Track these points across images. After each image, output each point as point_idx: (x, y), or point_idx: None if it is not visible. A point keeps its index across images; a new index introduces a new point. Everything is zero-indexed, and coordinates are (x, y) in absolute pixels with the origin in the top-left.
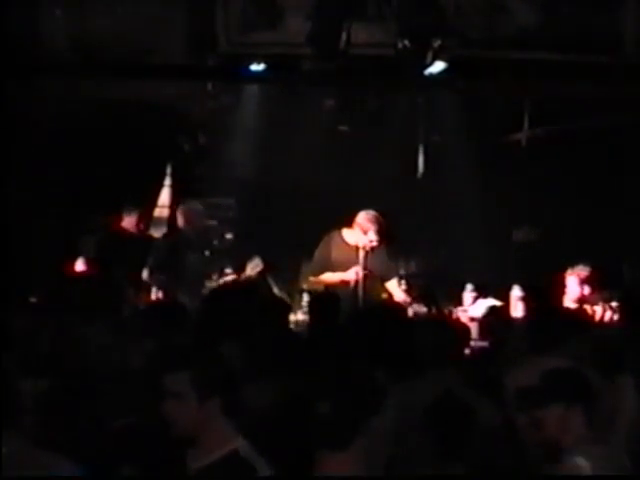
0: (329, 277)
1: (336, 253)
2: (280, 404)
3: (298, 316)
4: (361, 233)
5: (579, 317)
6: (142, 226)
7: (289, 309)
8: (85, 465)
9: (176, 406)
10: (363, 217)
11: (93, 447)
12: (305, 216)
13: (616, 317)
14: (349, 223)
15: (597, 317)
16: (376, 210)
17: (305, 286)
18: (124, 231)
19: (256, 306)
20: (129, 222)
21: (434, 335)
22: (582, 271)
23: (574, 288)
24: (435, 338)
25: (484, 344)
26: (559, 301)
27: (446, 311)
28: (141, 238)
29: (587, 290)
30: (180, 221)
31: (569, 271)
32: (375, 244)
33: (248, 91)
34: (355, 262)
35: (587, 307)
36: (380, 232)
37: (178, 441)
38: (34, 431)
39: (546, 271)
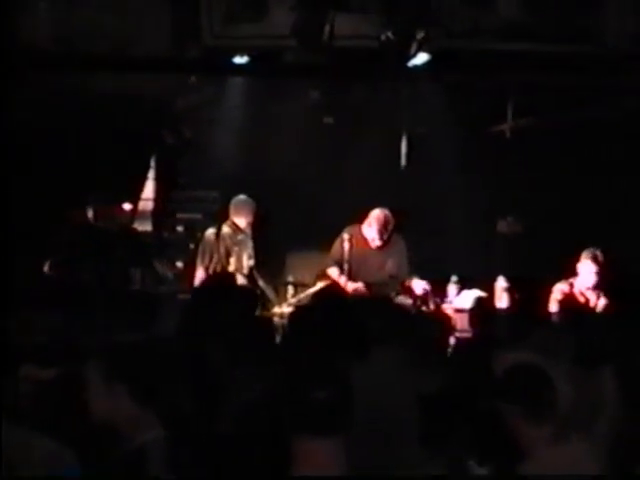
0: (332, 273)
1: (353, 247)
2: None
3: (283, 309)
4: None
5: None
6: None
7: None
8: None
9: (86, 396)
10: (372, 213)
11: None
12: (289, 208)
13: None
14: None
15: (596, 307)
16: (390, 208)
17: (290, 279)
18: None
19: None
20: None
21: (377, 316)
22: (598, 253)
23: (588, 273)
24: (379, 319)
25: (469, 335)
26: (570, 288)
27: (431, 302)
28: (105, 231)
29: (601, 275)
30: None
31: (584, 254)
32: (378, 243)
33: (232, 83)
34: (369, 258)
35: (594, 294)
36: (380, 231)
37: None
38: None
39: (530, 262)
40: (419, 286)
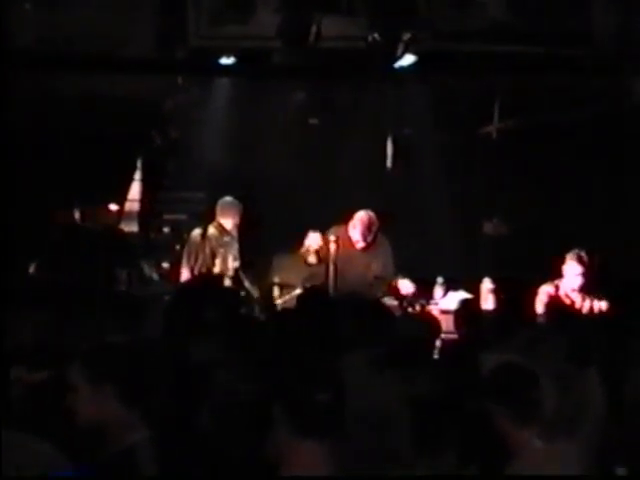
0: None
1: (339, 248)
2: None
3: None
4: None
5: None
6: (84, 220)
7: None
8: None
9: (73, 399)
10: (357, 215)
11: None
12: (276, 209)
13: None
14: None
15: (582, 308)
16: (376, 209)
17: (276, 280)
18: (75, 226)
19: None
20: (77, 216)
21: (362, 317)
22: (582, 254)
23: (574, 275)
24: (363, 320)
25: (455, 336)
26: (555, 290)
27: (417, 304)
28: (91, 232)
29: (586, 276)
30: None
31: (569, 255)
32: (362, 244)
33: (218, 84)
34: (354, 259)
35: (579, 296)
36: (364, 233)
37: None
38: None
39: (516, 263)
40: (405, 286)
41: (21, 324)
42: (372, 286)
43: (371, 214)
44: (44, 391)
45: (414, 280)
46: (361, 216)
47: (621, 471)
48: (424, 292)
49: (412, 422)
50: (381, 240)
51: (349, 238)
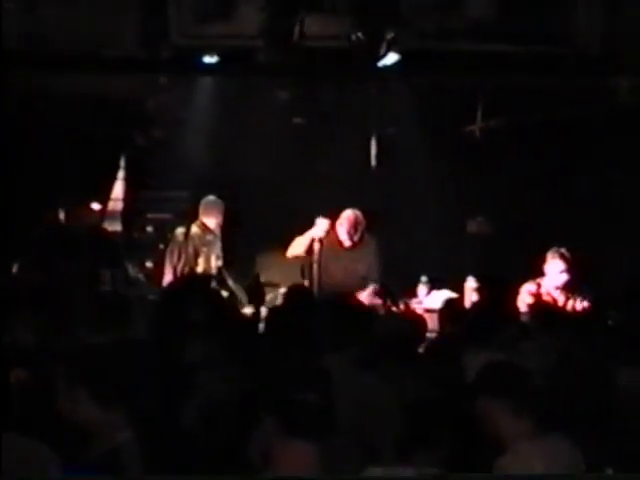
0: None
1: (324, 247)
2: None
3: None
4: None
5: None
6: (68, 220)
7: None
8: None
9: (54, 399)
10: (344, 214)
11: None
12: (258, 208)
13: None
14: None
15: (565, 306)
16: (360, 208)
17: (260, 279)
18: (59, 225)
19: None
20: (62, 216)
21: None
22: (564, 251)
23: (557, 272)
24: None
25: (439, 335)
26: (537, 288)
27: (401, 303)
28: (75, 231)
29: (569, 274)
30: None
31: (550, 253)
32: (348, 243)
33: (201, 83)
34: (340, 257)
35: (562, 294)
36: (350, 232)
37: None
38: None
39: (500, 262)
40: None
41: (5, 325)
42: (358, 285)
43: (358, 213)
44: (27, 392)
45: (398, 279)
46: (347, 215)
47: (609, 470)
48: (408, 291)
49: (399, 421)
50: (368, 240)
51: (336, 237)
